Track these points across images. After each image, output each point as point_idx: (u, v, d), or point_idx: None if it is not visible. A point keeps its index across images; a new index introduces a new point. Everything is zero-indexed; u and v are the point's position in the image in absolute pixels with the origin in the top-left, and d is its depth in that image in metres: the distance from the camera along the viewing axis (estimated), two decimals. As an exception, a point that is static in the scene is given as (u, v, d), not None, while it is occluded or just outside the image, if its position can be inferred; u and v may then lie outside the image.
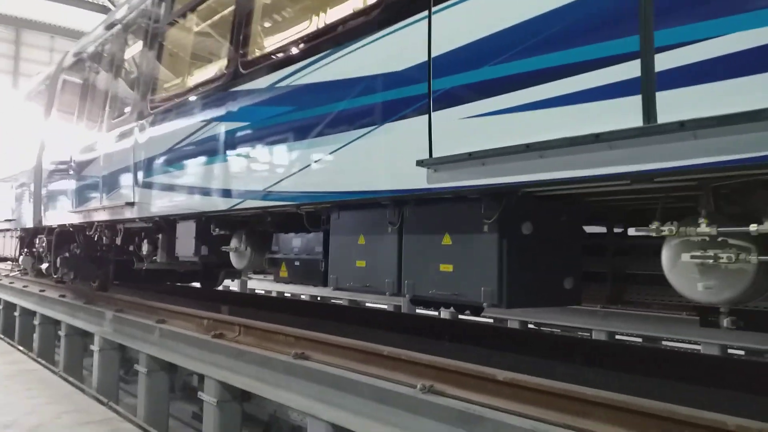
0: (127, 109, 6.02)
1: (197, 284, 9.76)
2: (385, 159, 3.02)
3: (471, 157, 2.48)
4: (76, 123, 7.43)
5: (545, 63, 2.28)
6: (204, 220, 5.02)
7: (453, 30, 2.68)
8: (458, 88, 2.64)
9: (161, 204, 5.22)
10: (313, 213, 3.97)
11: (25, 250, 9.37)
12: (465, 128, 2.60)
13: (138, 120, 5.64)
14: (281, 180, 3.76)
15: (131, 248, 6.64)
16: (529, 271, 2.80)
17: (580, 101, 2.19)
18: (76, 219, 7.11)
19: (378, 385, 3.37)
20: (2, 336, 10.48)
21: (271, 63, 3.93)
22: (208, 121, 4.52)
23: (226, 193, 4.29)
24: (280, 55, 3.88)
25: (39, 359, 8.47)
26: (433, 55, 2.75)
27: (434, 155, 2.73)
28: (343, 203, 3.51)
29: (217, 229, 4.89)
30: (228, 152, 4.28)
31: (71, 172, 7.23)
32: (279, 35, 4.36)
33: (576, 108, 2.20)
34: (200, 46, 5.77)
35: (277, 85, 3.79)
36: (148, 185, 5.39)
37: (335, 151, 3.34)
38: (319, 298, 13.45)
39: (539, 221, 2.85)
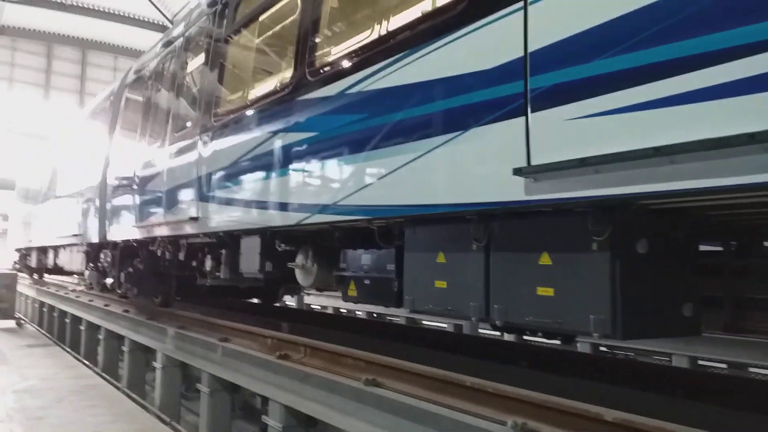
0: (190, 124, 5.94)
1: (251, 300, 9.70)
2: (473, 168, 2.70)
3: (583, 164, 2.12)
4: (139, 138, 7.47)
5: (679, 51, 1.92)
6: (269, 236, 4.83)
7: (555, 20, 2.34)
8: (562, 85, 2.30)
9: (225, 219, 5.07)
10: (384, 228, 3.69)
11: (91, 264, 9.50)
12: (570, 131, 2.25)
13: (201, 134, 5.54)
14: (352, 193, 3.50)
15: (194, 264, 6.55)
16: (646, 297, 2.41)
17: (723, 96, 1.82)
18: (139, 234, 7.10)
19: (461, 420, 3.04)
20: (69, 349, 10.70)
21: (341, 69, 3.70)
22: (273, 133, 4.33)
23: (293, 208, 4.07)
24: (351, 59, 3.63)
25: (103, 374, 8.54)
26: (530, 49, 2.42)
27: (532, 163, 2.39)
28: (419, 217, 3.21)
29: (282, 245, 4.68)
30: (294, 165, 4.07)
31: (135, 188, 7.25)
32: (349, 39, 4.13)
33: (719, 103, 1.83)
34: (263, 56, 5.64)
35: (348, 92, 3.54)
36: (211, 200, 5.26)
37: (413, 160, 3.05)
38: (374, 315, 13.18)
39: (654, 238, 2.46)
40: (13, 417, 5.89)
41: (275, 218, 4.32)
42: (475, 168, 2.69)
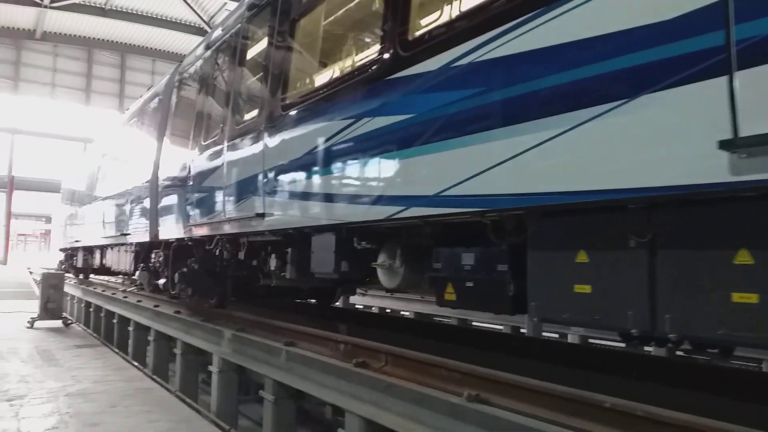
0: (252, 115, 5.53)
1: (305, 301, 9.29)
2: (647, 145, 2.18)
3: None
4: (194, 134, 7.13)
5: None
6: (345, 232, 4.39)
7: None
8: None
9: (296, 214, 4.63)
10: (495, 222, 3.20)
11: (141, 264, 9.24)
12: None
13: (266, 125, 5.12)
14: (461, 182, 3.02)
15: (254, 263, 6.16)
16: None
17: None
18: (195, 233, 6.76)
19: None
20: (117, 350, 10.51)
21: (449, 37, 3.19)
22: (356, 118, 3.87)
23: (383, 200, 3.61)
24: (465, 24, 3.11)
25: (154, 377, 8.28)
26: (735, -10, 1.91)
27: (740, 134, 1.88)
28: (551, 209, 2.71)
29: (363, 243, 4.22)
30: (382, 152, 3.60)
31: (189, 185, 6.91)
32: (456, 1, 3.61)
33: None
34: (337, 36, 5.19)
35: (457, 64, 3.06)
36: (279, 194, 4.84)
37: (550, 139, 2.55)
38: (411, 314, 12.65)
39: None
40: (69, 423, 5.65)
41: (358, 212, 3.86)
42: (651, 145, 2.17)
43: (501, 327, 10.42)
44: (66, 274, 14.32)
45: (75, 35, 34.01)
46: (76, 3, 29.53)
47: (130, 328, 10.31)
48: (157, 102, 9.18)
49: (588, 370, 4.01)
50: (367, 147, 3.73)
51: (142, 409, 6.25)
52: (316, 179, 4.31)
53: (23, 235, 47.41)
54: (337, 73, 4.91)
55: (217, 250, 6.53)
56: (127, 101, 31.02)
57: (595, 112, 2.37)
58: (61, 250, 20.43)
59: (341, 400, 4.52)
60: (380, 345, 4.55)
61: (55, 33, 33.50)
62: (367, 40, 4.88)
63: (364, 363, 4.50)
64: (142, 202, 9.00)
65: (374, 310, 13.92)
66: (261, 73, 5.50)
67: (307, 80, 5.19)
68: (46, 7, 29.07)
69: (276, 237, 5.41)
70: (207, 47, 7.23)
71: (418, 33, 3.54)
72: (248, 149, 5.46)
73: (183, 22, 32.24)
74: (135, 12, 31.31)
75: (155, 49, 35.69)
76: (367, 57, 4.28)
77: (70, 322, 12.91)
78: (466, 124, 3.01)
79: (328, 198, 4.18)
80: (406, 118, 3.42)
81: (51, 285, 12.46)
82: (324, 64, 5.32)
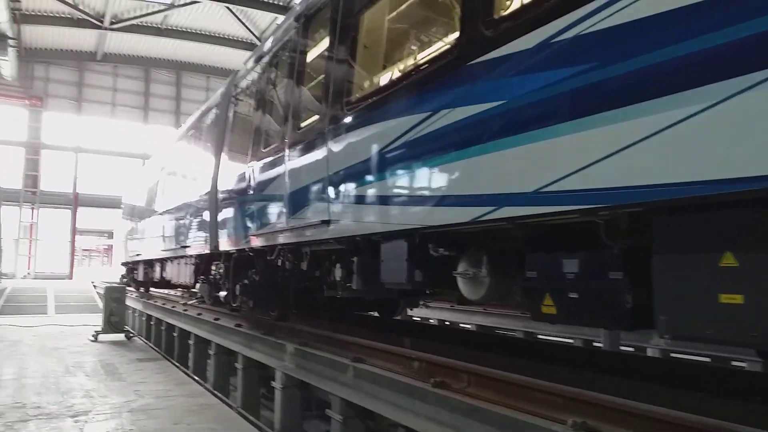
0: (315, 118, 5.25)
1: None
2: None
3: None
4: (253, 143, 6.93)
5: None
6: (418, 239, 4.02)
7: None
8: None
9: (364, 220, 4.28)
10: (609, 222, 2.75)
11: (202, 277, 9.13)
12: None
13: (331, 125, 4.82)
14: (570, 174, 2.60)
15: (316, 274, 5.87)
16: None
17: None
18: (256, 243, 6.53)
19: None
20: (178, 364, 10.46)
21: (545, 9, 2.78)
22: (432, 111, 3.50)
23: (466, 201, 3.22)
24: None
25: (215, 392, 8.12)
26: None
27: None
28: (687, 202, 2.26)
29: (440, 249, 3.83)
30: (466, 146, 3.21)
31: (250, 194, 6.70)
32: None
33: None
34: (410, 23, 4.83)
35: (561, 38, 2.65)
36: (346, 199, 4.52)
37: (687, 118, 2.11)
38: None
39: None
40: (133, 442, 5.51)
41: (438, 215, 3.47)
42: None
43: (570, 340, 9.77)
44: (127, 288, 14.51)
45: (133, 55, 35.19)
46: (135, 24, 30.54)
47: (191, 342, 10.24)
48: (214, 113, 9.10)
49: (721, 395, 3.44)
50: (448, 141, 3.35)
51: (206, 427, 6.07)
52: (388, 181, 3.95)
53: (87, 250, 49.31)
54: (409, 65, 4.55)
55: (279, 261, 6.26)
56: (183, 117, 31.79)
57: (751, 80, 1.92)
58: (122, 264, 20.93)
59: (416, 422, 4.15)
60: (460, 363, 4.15)
61: (114, 54, 34.77)
62: (443, 23, 4.49)
63: (443, 383, 4.10)
64: (202, 214, 8.90)
65: (431, 322, 13.43)
66: (323, 74, 5.21)
67: (374, 76, 4.86)
68: (106, 29, 30.16)
69: (340, 246, 5.10)
70: (263, 54, 7.05)
71: (506, 10, 3.14)
72: (311, 154, 5.17)
73: (235, 38, 32.87)
74: (189, 30, 32.13)
75: (209, 65, 36.52)
76: (444, 43, 3.88)
77: (132, 335, 13.03)
78: (571, 107, 2.59)
79: (402, 201, 3.82)
80: (496, 106, 3.02)
81: (113, 298, 12.61)
82: (393, 57, 4.98)
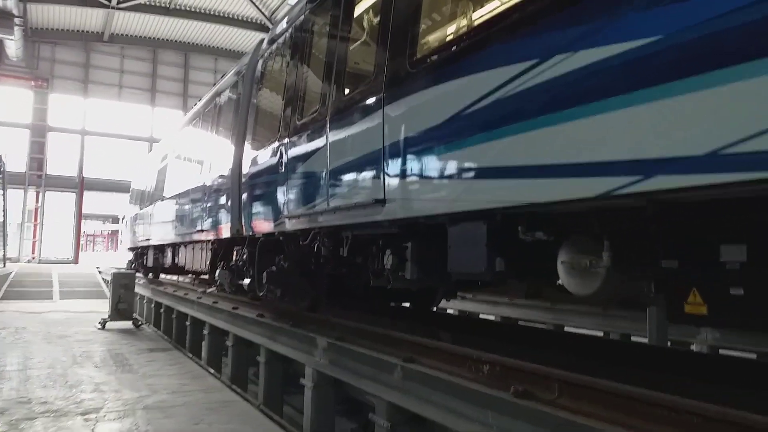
0: (366, 82, 4.51)
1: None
2: None
3: None
4: (284, 114, 6.21)
5: None
6: (501, 220, 3.34)
7: None
8: None
9: (435, 197, 3.57)
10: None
11: (222, 263, 8.46)
12: None
13: (389, 88, 4.10)
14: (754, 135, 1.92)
15: (357, 261, 5.20)
16: None
17: None
18: (287, 226, 5.84)
19: None
20: (190, 355, 9.88)
21: None
22: (541, 58, 2.78)
23: (591, 170, 2.52)
24: None
25: (233, 387, 7.54)
26: None
27: None
28: None
29: (537, 233, 3.14)
30: (593, 99, 2.49)
31: (281, 171, 5.99)
32: None
33: None
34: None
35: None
36: (408, 174, 3.82)
37: None
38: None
39: None
40: (150, 446, 4.94)
41: (545, 189, 2.77)
42: None
43: (600, 333, 9.03)
44: (136, 274, 13.91)
45: (141, 36, 34.39)
46: (142, 3, 29.76)
47: (205, 332, 9.63)
48: (237, 84, 8.37)
49: None
50: (566, 94, 2.63)
51: (229, 426, 5.50)
52: (472, 149, 3.24)
53: (91, 235, 48.82)
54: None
55: (314, 246, 5.58)
56: (191, 100, 31.04)
57: None
58: (129, 249, 20.33)
59: (488, 436, 3.52)
60: (548, 369, 3.48)
61: (121, 35, 33.97)
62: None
63: (527, 392, 3.45)
64: (222, 196, 8.20)
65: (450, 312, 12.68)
66: (378, 27, 4.48)
67: (454, 21, 4.14)
68: (113, 8, 29.40)
69: (393, 230, 4.42)
70: (300, 12, 6.28)
71: None
72: (361, 123, 4.46)
73: (245, 19, 32.12)
74: (198, 10, 31.36)
75: (217, 47, 35.71)
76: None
77: (140, 323, 12.48)
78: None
79: (492, 172, 3.10)
80: (650, 43, 2.30)
81: (122, 285, 12.05)
82: None
